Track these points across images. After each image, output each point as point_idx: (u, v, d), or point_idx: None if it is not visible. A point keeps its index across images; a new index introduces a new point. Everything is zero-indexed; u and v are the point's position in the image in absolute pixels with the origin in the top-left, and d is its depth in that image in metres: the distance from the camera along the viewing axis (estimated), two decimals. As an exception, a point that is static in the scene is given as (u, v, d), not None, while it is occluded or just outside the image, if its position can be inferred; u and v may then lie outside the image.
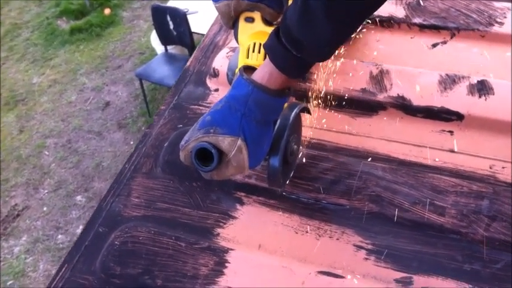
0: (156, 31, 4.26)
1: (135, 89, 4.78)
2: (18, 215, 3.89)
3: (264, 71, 0.88)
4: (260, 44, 1.00)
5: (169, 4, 4.29)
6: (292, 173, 1.07)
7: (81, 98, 4.84)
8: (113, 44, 5.42)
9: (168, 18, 4.01)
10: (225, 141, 0.85)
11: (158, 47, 4.41)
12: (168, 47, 4.32)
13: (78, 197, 3.96)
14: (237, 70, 1.02)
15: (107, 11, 5.79)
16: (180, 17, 3.91)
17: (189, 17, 3.91)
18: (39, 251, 3.63)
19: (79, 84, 5.01)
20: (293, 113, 0.97)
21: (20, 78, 5.19)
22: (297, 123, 1.04)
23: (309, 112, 1.07)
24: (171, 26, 4.04)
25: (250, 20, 1.03)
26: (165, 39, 4.23)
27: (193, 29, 3.92)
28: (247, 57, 1.01)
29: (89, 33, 5.58)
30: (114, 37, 5.51)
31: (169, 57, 4.29)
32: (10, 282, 3.48)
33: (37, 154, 4.36)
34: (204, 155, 0.86)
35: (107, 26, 5.65)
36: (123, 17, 5.78)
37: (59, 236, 3.70)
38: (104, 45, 5.43)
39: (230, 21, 1.05)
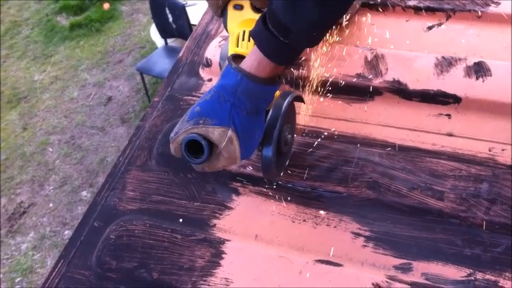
0: (156, 24, 4.24)
1: (137, 83, 4.77)
2: (24, 212, 3.91)
3: (252, 59, 0.86)
4: None
5: (168, -4, 4.26)
6: (287, 162, 1.06)
7: (83, 94, 4.84)
8: (113, 39, 5.41)
9: (167, 11, 3.98)
10: (215, 132, 0.84)
11: (158, 40, 4.39)
12: (168, 40, 4.30)
13: (84, 193, 3.97)
14: None
15: (106, 5, 5.77)
16: (179, 10, 3.89)
17: (187, 9, 3.88)
18: (46, 247, 3.65)
19: (80, 80, 5.00)
20: (286, 102, 0.95)
21: (21, 76, 5.20)
22: (291, 112, 1.02)
23: (302, 101, 1.05)
24: (170, 19, 4.01)
25: (239, 7, 1.01)
26: (165, 33, 4.21)
27: (192, 21, 3.89)
28: (237, 46, 0.99)
29: (88, 29, 5.57)
30: (114, 32, 5.50)
31: (169, 51, 4.27)
32: (18, 279, 3.50)
33: (41, 151, 4.37)
34: (194, 147, 0.84)
35: (106, 21, 5.64)
36: (122, 11, 5.77)
37: (66, 232, 3.71)
38: (104, 40, 5.42)
39: (218, 9, 1.03)
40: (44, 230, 3.75)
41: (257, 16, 0.99)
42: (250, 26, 0.89)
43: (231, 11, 1.02)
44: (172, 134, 0.87)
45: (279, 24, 0.81)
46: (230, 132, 0.84)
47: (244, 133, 0.86)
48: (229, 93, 0.85)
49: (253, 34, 0.87)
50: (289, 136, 1.00)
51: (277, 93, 0.97)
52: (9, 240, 3.72)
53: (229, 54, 0.96)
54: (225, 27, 1.03)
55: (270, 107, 0.95)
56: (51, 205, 3.92)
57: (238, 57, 0.92)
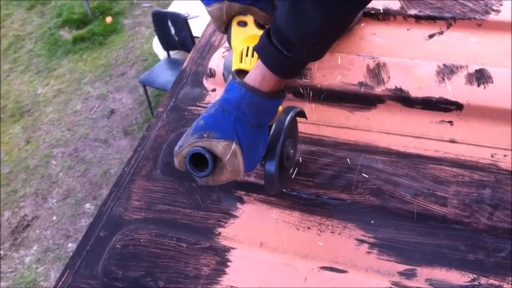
0: (158, 37, 4.27)
1: (140, 96, 4.80)
2: (28, 225, 3.92)
3: (256, 73, 0.87)
4: None
5: (170, 9, 4.29)
6: (289, 177, 1.06)
7: (86, 107, 4.87)
8: (115, 52, 5.44)
9: (169, 23, 4.01)
10: (219, 146, 0.85)
11: (161, 52, 4.42)
12: (171, 52, 4.32)
13: (87, 205, 3.97)
14: None
15: (109, 19, 5.81)
16: (181, 22, 3.92)
17: (190, 21, 3.91)
18: (50, 260, 3.65)
19: (83, 93, 5.03)
20: (288, 117, 0.96)
21: (24, 89, 5.23)
22: (293, 127, 1.03)
23: (304, 116, 1.06)
24: (173, 31, 4.04)
25: (242, 24, 1.03)
26: (167, 45, 4.24)
27: (194, 34, 3.91)
28: (241, 62, 1.00)
29: (91, 42, 5.61)
30: (116, 45, 5.53)
31: (172, 63, 4.30)
32: (22, 292, 3.50)
33: (44, 164, 4.38)
34: (198, 160, 0.85)
35: (109, 34, 5.68)
36: (125, 24, 5.81)
37: (69, 245, 3.72)
38: (106, 53, 5.45)
39: (223, 25, 1.04)
40: (48, 243, 3.75)
41: (260, 32, 1.00)
42: (254, 42, 0.90)
43: (235, 27, 1.03)
44: (176, 148, 0.88)
45: (283, 38, 0.82)
46: (234, 146, 0.85)
47: (248, 146, 0.87)
48: (233, 106, 0.86)
49: (257, 49, 0.88)
50: (292, 151, 1.01)
51: (280, 108, 0.98)
52: (12, 254, 3.72)
53: (232, 70, 0.97)
54: (229, 43, 1.05)
55: (273, 121, 0.96)
56: (54, 218, 3.92)
57: (242, 73, 0.93)
